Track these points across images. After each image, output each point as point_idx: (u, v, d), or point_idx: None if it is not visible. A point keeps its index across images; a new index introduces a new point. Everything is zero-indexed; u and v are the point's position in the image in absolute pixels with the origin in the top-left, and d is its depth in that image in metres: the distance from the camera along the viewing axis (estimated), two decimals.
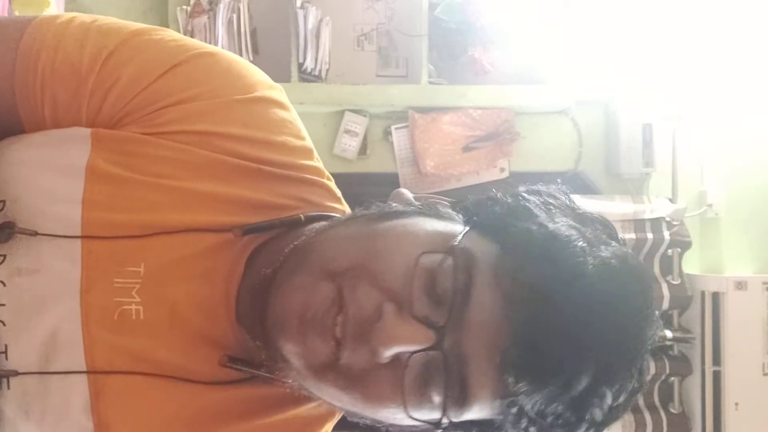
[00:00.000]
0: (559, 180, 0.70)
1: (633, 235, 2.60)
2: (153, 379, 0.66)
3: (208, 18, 2.44)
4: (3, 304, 0.64)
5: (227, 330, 0.68)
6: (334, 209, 0.74)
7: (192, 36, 2.35)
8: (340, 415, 0.72)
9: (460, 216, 0.65)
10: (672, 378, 2.66)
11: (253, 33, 2.54)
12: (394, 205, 0.68)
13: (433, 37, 2.62)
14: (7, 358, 0.64)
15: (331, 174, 0.77)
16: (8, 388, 0.64)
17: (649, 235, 2.62)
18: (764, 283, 2.56)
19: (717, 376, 2.58)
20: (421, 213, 0.66)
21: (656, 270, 2.64)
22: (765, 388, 2.53)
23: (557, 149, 2.71)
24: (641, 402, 2.60)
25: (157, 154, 0.67)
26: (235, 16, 2.45)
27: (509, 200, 0.64)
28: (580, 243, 0.59)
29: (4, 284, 0.64)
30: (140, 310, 0.65)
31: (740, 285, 2.54)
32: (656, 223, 2.63)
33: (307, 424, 0.72)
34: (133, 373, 0.65)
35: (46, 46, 0.67)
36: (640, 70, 2.59)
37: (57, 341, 0.64)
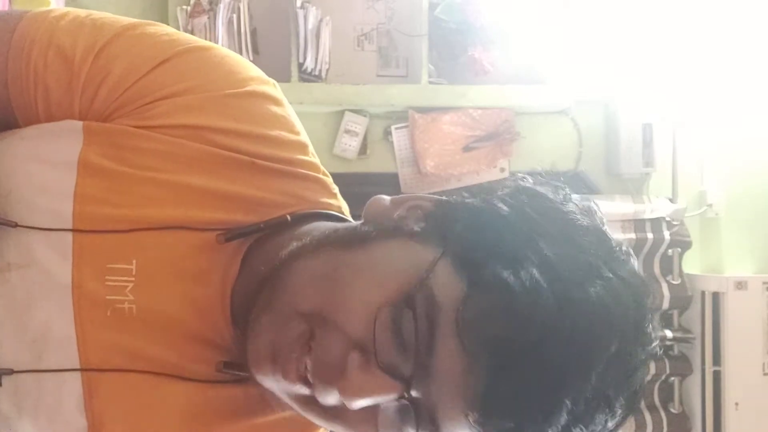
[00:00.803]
0: (561, 178, 0.67)
1: (633, 235, 2.61)
2: (148, 376, 0.65)
3: (208, 18, 2.44)
4: None
5: (223, 330, 0.68)
6: (329, 205, 0.74)
7: None
8: None
9: (436, 230, 0.62)
10: (672, 378, 2.66)
11: (253, 33, 2.53)
12: (364, 228, 0.66)
13: (433, 37, 2.62)
14: None
15: (331, 174, 0.76)
16: (0, 385, 0.63)
17: (649, 235, 2.62)
18: (764, 283, 2.56)
19: (717, 376, 2.58)
20: (392, 234, 0.63)
21: (656, 270, 2.64)
22: (765, 388, 2.53)
23: (557, 149, 2.71)
24: (641, 402, 2.60)
25: (149, 147, 0.66)
26: (235, 16, 2.45)
27: (491, 217, 0.61)
28: (559, 290, 0.55)
29: None
30: (133, 308, 0.65)
31: (740, 285, 2.54)
32: (656, 223, 2.63)
33: (306, 423, 0.70)
34: (127, 371, 0.64)
35: (39, 39, 0.67)
36: (640, 70, 2.59)
37: (49, 338, 0.63)
